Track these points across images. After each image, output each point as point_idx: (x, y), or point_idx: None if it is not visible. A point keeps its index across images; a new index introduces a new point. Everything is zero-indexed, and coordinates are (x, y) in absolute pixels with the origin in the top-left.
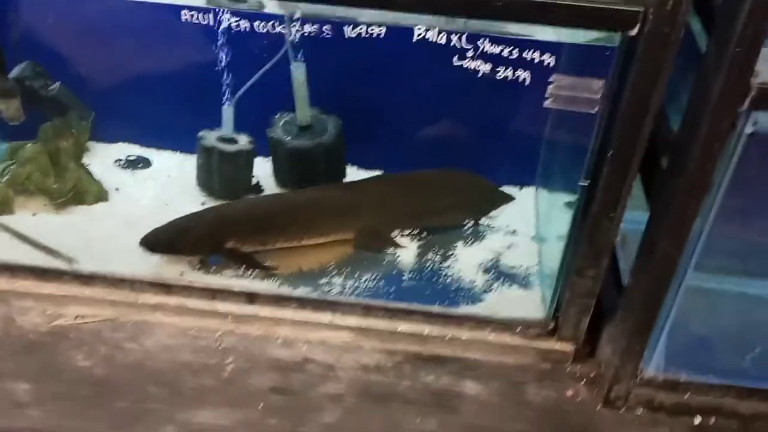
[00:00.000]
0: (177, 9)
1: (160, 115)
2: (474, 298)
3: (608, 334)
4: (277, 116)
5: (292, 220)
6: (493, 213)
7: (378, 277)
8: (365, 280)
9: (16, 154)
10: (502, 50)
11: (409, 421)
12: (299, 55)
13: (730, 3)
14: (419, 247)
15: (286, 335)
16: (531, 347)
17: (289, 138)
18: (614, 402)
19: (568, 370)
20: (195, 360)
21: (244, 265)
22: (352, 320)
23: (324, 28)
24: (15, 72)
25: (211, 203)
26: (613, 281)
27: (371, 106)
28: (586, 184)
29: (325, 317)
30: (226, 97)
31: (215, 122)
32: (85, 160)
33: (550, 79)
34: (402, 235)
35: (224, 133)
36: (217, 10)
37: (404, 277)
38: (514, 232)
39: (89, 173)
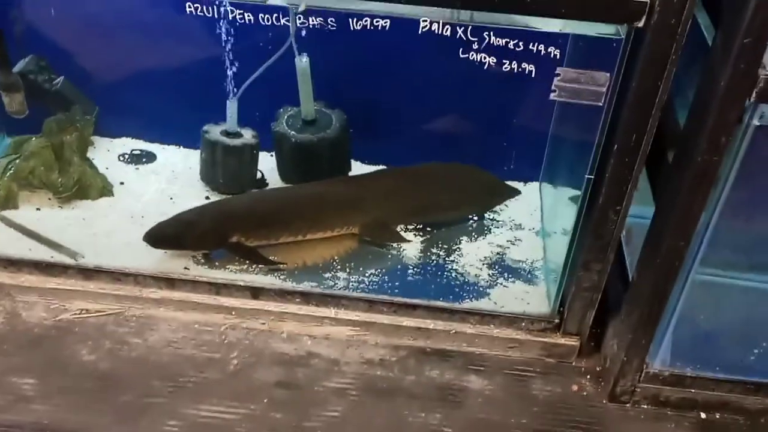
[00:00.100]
0: (181, 1)
1: (164, 109)
2: (478, 292)
3: (614, 329)
4: (281, 110)
5: (297, 215)
6: (498, 207)
7: (382, 272)
8: (369, 275)
9: (20, 148)
10: (507, 42)
11: (414, 415)
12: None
13: None
14: (424, 241)
15: (290, 330)
16: (536, 342)
17: (293, 132)
18: (620, 397)
19: (573, 364)
20: (199, 354)
21: (248, 260)
22: (357, 315)
23: (329, 20)
24: (19, 66)
25: (216, 198)
26: (619, 276)
27: (376, 99)
28: (592, 177)
29: (330, 312)
30: (230, 91)
31: (219, 116)
32: (90, 154)
33: (556, 72)
34: (406, 230)
35: (228, 127)
36: (221, 2)
37: (409, 272)
38: (519, 226)
39: (93, 168)
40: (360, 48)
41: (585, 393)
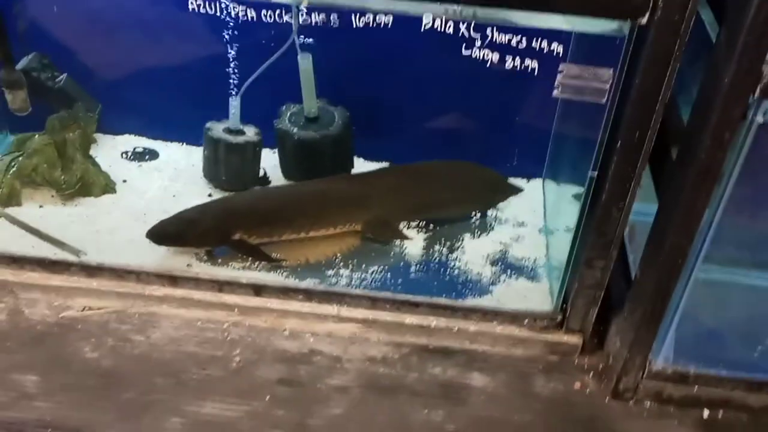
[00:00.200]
0: None
1: (166, 106)
2: (481, 290)
3: (617, 326)
4: (284, 107)
5: (300, 212)
6: (501, 204)
7: (385, 269)
8: (372, 272)
9: (23, 145)
10: (510, 39)
11: (417, 412)
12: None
13: None
14: (426, 239)
15: (293, 327)
16: (539, 339)
17: (296, 129)
18: (622, 394)
19: (576, 362)
20: (202, 351)
21: (251, 257)
22: (359, 312)
23: (331, 17)
24: (22, 63)
25: (218, 195)
26: (622, 273)
27: (379, 96)
28: (595, 174)
29: (332, 309)
30: (232, 88)
31: (222, 114)
32: (92, 152)
33: (559, 69)
34: (409, 227)
35: (231, 124)
36: None
37: (411, 269)
38: (521, 223)
39: (96, 165)
40: (362, 45)
41: (588, 390)
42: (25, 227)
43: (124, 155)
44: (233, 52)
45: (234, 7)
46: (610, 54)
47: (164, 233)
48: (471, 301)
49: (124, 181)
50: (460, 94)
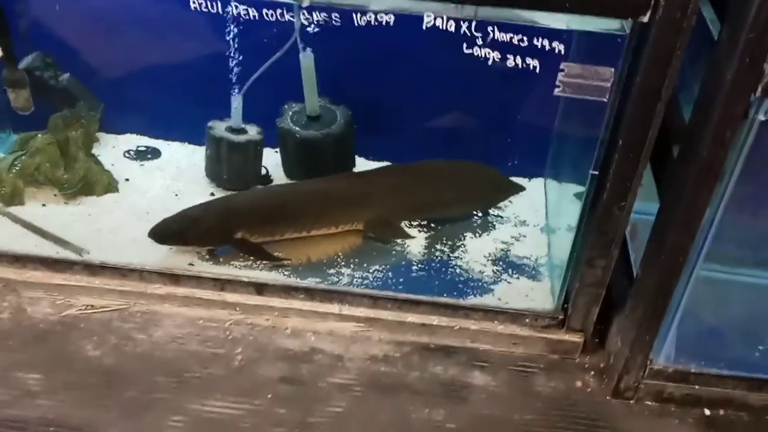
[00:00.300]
0: None
1: (169, 105)
2: (483, 288)
3: (618, 325)
4: (286, 106)
5: (301, 211)
6: (503, 203)
7: (386, 268)
8: (374, 271)
9: (25, 144)
10: (511, 38)
11: (418, 411)
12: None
13: None
14: (428, 238)
15: (294, 326)
16: (540, 338)
17: (298, 128)
18: (623, 393)
19: (577, 360)
20: (204, 350)
21: (252, 256)
22: (361, 311)
23: (333, 16)
24: (25, 62)
25: (220, 194)
26: (623, 272)
27: (380, 95)
28: (597, 173)
29: (334, 308)
30: (234, 87)
31: (224, 113)
32: (95, 150)
33: (560, 67)
34: (410, 226)
35: (233, 123)
36: None
37: (413, 268)
38: (523, 222)
39: (99, 164)
40: (364, 44)
41: (589, 389)
42: (28, 226)
43: (126, 154)
44: (235, 51)
45: (236, 6)
46: (611, 52)
47: (166, 232)
48: (472, 300)
49: (127, 180)
50: (462, 93)
